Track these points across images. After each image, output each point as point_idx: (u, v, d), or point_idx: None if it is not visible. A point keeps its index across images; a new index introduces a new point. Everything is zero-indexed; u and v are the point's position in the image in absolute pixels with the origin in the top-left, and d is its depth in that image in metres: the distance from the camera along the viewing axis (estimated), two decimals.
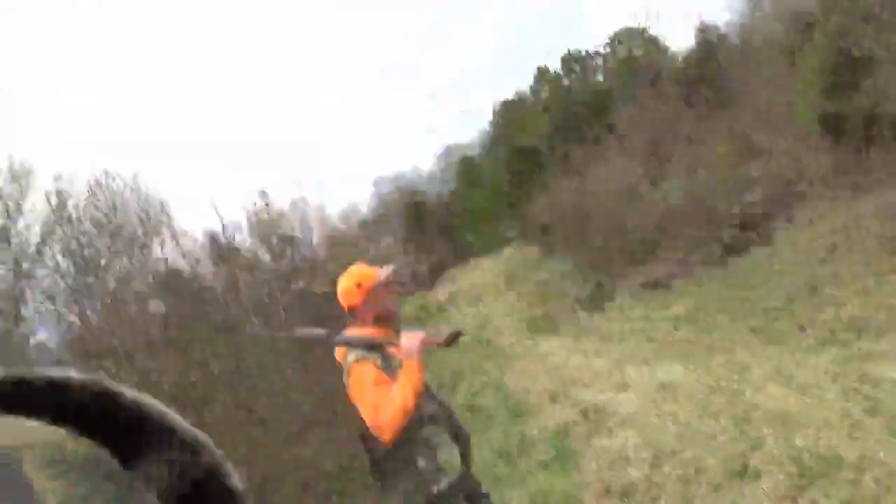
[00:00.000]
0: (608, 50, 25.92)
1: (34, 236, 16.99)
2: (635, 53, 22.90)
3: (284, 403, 6.64)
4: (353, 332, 2.50)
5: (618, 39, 24.81)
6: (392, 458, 2.39)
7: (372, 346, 2.40)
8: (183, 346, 6.66)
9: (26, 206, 17.13)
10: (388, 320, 2.55)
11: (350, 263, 2.69)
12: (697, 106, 15.77)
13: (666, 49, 22.27)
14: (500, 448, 6.30)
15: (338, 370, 2.55)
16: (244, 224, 13.11)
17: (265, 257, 12.52)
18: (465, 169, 30.84)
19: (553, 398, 8.32)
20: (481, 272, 28.00)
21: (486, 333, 16.63)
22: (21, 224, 17.13)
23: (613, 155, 16.17)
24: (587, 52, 27.18)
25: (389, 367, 2.36)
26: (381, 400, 2.28)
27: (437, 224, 30.95)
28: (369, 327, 2.49)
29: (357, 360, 2.38)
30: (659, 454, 4.44)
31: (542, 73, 29.21)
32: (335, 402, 5.80)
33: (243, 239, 12.83)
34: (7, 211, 16.96)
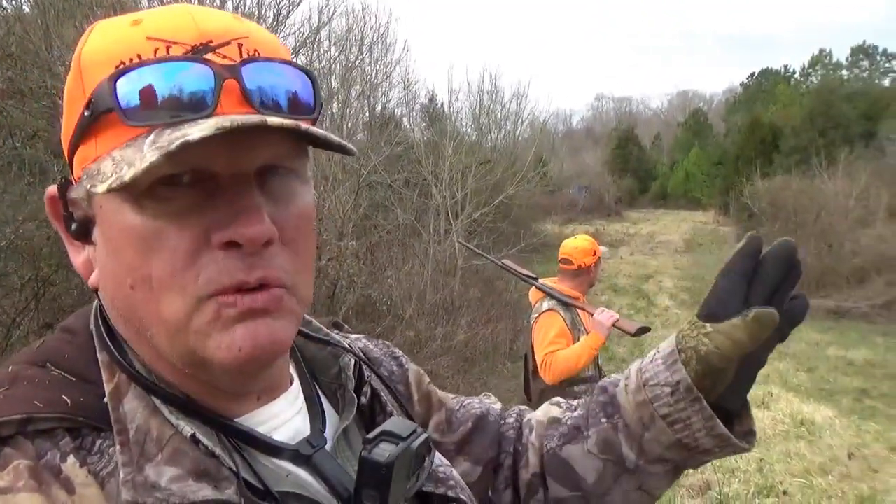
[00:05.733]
0: None
1: None
2: None
3: None
4: (556, 285, 2.88)
5: None
6: (544, 394, 2.83)
7: (567, 304, 2.78)
8: None
9: None
10: (588, 288, 2.90)
11: None
12: None
13: None
14: None
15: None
16: None
17: None
18: (696, 121, 29.22)
19: None
20: (665, 224, 26.95)
21: (647, 287, 16.37)
22: None
23: (865, 173, 14.49)
24: (884, 50, 23.73)
25: (574, 327, 2.75)
26: (557, 350, 2.70)
27: (640, 160, 29.91)
28: (572, 288, 2.86)
29: (550, 310, 2.79)
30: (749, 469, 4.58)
31: (819, 57, 26.12)
32: None
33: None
34: None
